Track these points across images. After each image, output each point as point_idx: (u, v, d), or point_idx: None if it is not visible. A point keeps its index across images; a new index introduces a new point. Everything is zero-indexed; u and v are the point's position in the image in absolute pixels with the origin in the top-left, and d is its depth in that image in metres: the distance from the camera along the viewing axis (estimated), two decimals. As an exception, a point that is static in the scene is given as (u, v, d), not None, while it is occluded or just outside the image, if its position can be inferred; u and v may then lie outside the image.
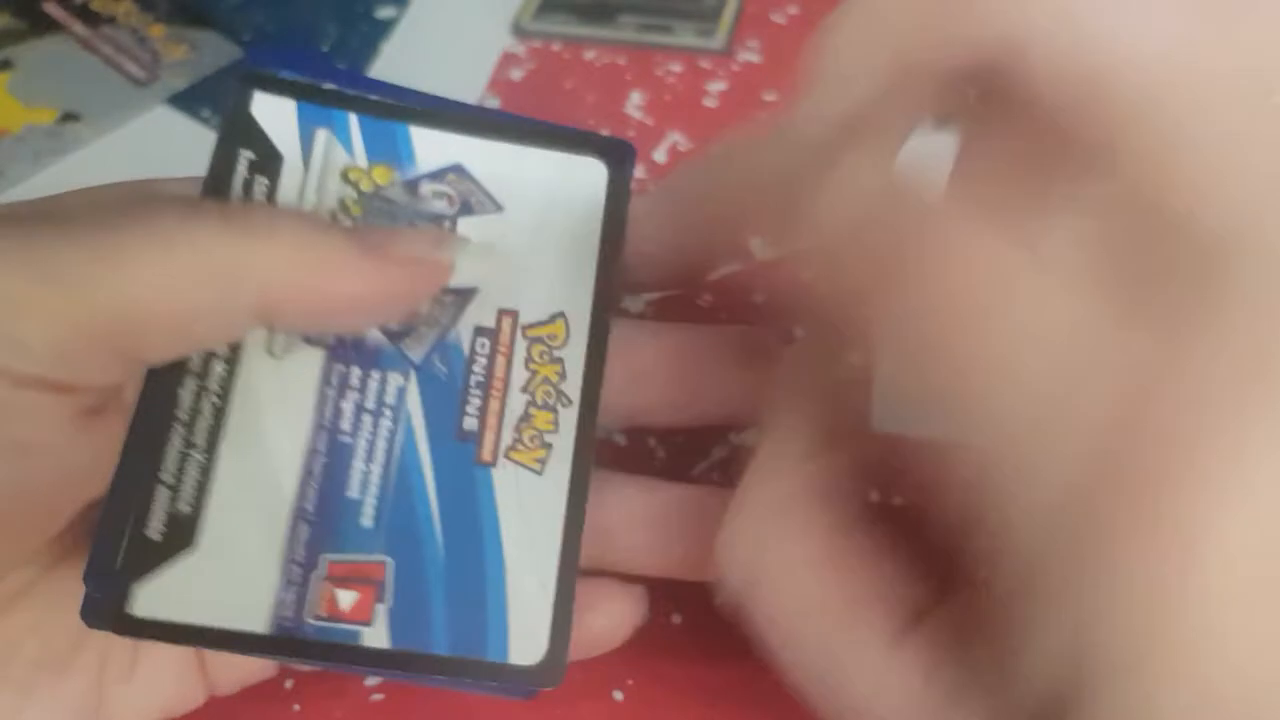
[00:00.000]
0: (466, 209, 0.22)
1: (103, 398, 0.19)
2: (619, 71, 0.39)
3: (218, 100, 0.38)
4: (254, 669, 0.23)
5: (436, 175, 0.22)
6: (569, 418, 0.21)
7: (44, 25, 0.39)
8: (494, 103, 0.38)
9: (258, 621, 0.19)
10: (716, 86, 0.38)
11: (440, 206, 0.22)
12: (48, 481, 0.18)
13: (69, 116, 0.37)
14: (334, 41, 0.40)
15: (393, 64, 0.39)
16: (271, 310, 0.19)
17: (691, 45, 0.40)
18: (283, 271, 0.18)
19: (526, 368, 0.21)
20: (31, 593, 0.20)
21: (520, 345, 0.22)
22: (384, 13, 0.41)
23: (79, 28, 0.39)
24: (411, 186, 0.22)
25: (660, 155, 0.36)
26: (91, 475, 0.19)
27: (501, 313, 0.22)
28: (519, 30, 0.40)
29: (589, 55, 0.40)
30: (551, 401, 0.21)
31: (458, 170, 0.22)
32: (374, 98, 0.23)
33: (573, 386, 0.21)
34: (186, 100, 0.38)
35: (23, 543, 0.19)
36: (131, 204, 0.18)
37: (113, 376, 0.19)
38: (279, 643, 0.19)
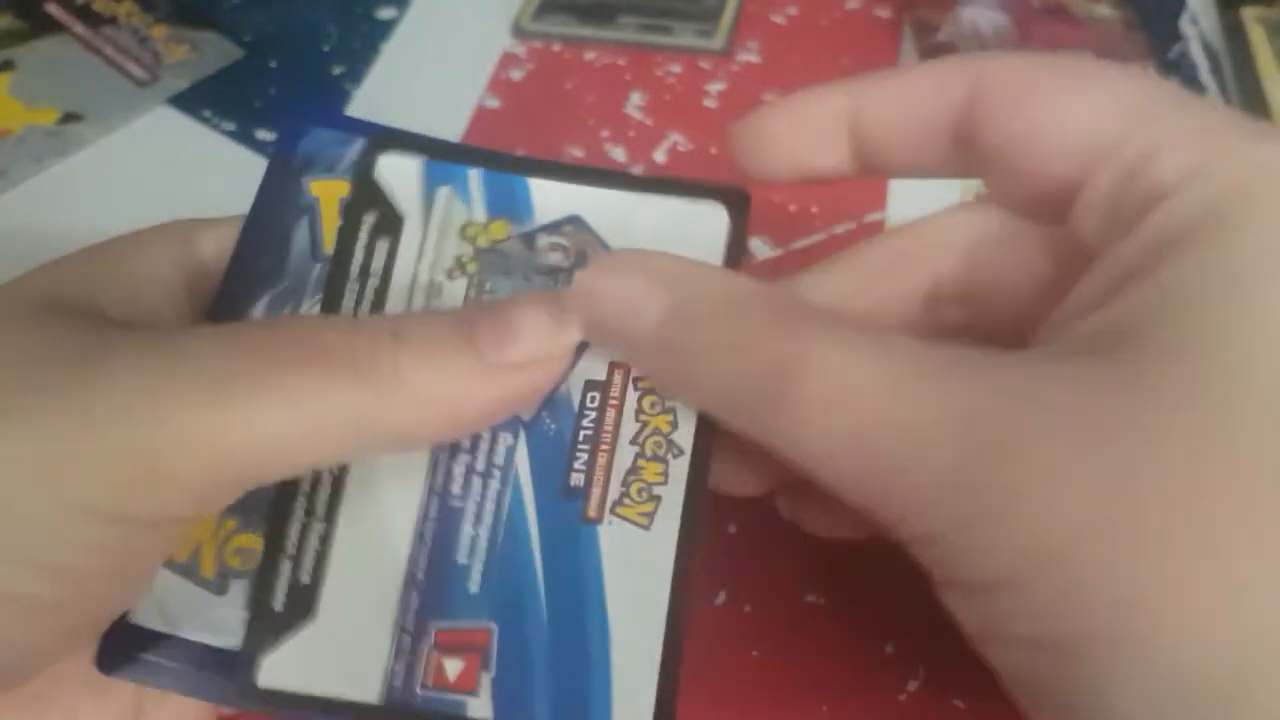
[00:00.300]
0: (583, 261, 0.22)
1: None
2: (619, 72, 0.39)
3: (219, 101, 0.38)
4: None
5: (553, 227, 0.22)
6: (679, 469, 0.20)
7: (45, 26, 0.39)
8: (493, 103, 0.38)
9: (370, 692, 0.19)
10: (716, 87, 0.38)
11: (556, 259, 0.22)
12: (140, 593, 0.19)
13: (70, 117, 0.37)
14: (334, 42, 0.40)
15: (393, 65, 0.39)
16: (399, 446, 0.20)
17: (691, 46, 0.40)
18: (413, 417, 0.18)
19: (637, 419, 0.21)
20: None
21: (631, 396, 0.21)
22: (384, 13, 0.41)
23: (80, 28, 0.39)
24: (528, 240, 0.22)
25: (660, 155, 0.36)
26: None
27: (613, 364, 0.21)
28: (519, 31, 0.40)
29: (589, 56, 0.40)
30: (661, 453, 0.21)
31: (575, 221, 0.22)
32: (497, 151, 0.22)
33: (684, 435, 0.21)
34: (188, 100, 0.38)
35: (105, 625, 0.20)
36: (262, 354, 0.18)
37: (232, 499, 0.19)
38: (389, 712, 0.19)
